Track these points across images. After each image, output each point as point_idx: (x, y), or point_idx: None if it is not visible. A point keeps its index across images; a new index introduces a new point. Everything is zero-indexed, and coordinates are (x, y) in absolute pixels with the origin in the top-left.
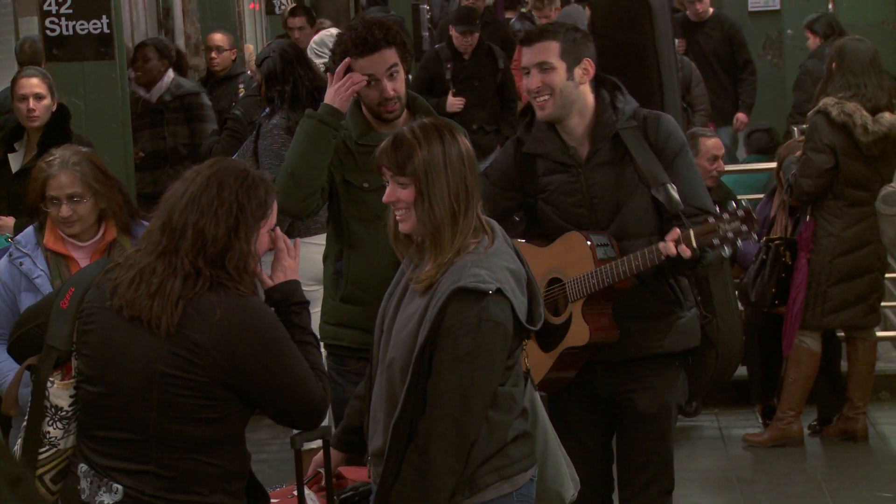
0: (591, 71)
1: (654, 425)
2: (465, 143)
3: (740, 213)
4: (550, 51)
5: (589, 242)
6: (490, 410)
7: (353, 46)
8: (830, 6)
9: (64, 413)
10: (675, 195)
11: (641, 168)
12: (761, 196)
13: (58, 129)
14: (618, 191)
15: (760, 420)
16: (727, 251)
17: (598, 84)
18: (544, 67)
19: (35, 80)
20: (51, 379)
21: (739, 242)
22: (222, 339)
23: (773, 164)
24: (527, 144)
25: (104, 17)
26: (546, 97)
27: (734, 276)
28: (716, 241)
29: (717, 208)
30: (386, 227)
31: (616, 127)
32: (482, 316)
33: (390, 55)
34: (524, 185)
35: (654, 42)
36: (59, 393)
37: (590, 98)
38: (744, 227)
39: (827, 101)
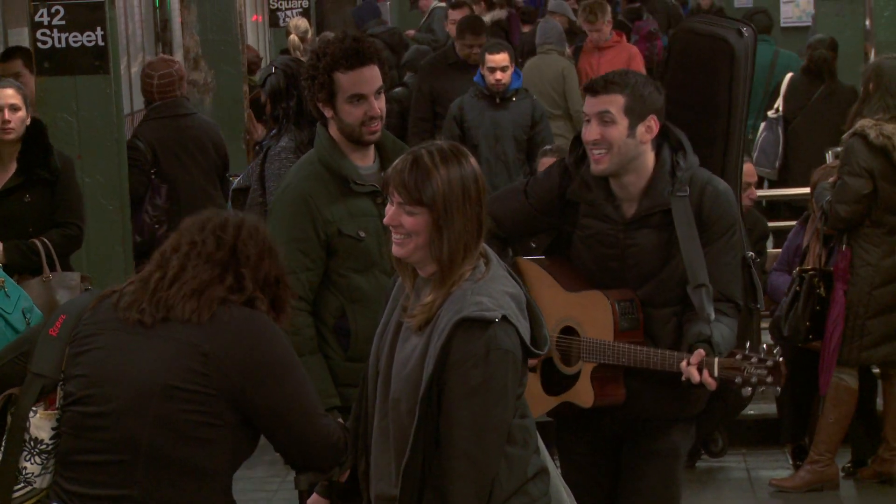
0: (656, 129)
1: (659, 462)
2: (478, 170)
3: (770, 362)
4: (614, 103)
5: (613, 310)
6: (507, 446)
7: (342, 58)
8: (868, 22)
9: (44, 447)
10: (708, 304)
11: (684, 257)
12: (794, 223)
13: (37, 144)
14: (656, 258)
15: (791, 461)
16: (748, 392)
17: (661, 138)
18: (605, 120)
19: (10, 91)
20: (34, 408)
21: (760, 390)
22: (233, 352)
23: (806, 189)
24: (572, 187)
25: (98, 29)
26: (603, 151)
27: (765, 308)
28: (738, 381)
29: (748, 349)
30: (384, 274)
31: (669, 200)
32: (490, 345)
33: (377, 73)
34: (564, 215)
35: (730, 89)
36: (42, 424)
37: (650, 157)
38: (769, 379)
39: (864, 123)
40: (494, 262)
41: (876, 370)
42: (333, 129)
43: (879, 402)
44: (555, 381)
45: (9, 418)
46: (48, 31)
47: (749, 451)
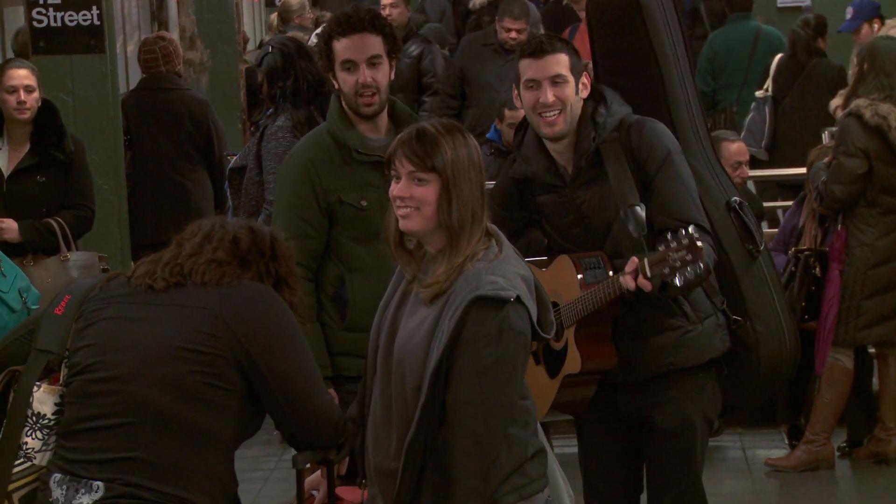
0: (589, 85)
1: (676, 442)
2: (477, 145)
3: (685, 240)
4: (562, 63)
5: (576, 266)
6: (509, 426)
7: (336, 25)
8: None
9: (46, 422)
10: (643, 217)
11: (613, 188)
12: (790, 203)
13: (50, 124)
14: (606, 208)
15: (787, 441)
16: (678, 281)
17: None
18: (557, 80)
19: (24, 72)
20: (38, 383)
21: (688, 272)
22: (244, 315)
23: (802, 170)
24: (514, 167)
25: (94, 7)
26: (556, 112)
27: None
28: (666, 271)
29: (668, 236)
30: (386, 244)
31: (593, 144)
32: (503, 325)
33: (374, 42)
34: (525, 205)
35: (650, 39)
36: (45, 398)
37: (579, 112)
38: (688, 257)
39: (859, 103)
40: (506, 243)
41: (871, 350)
42: (344, 102)
43: (875, 382)
44: (553, 363)
45: (11, 394)
46: (44, 10)
47: (745, 430)
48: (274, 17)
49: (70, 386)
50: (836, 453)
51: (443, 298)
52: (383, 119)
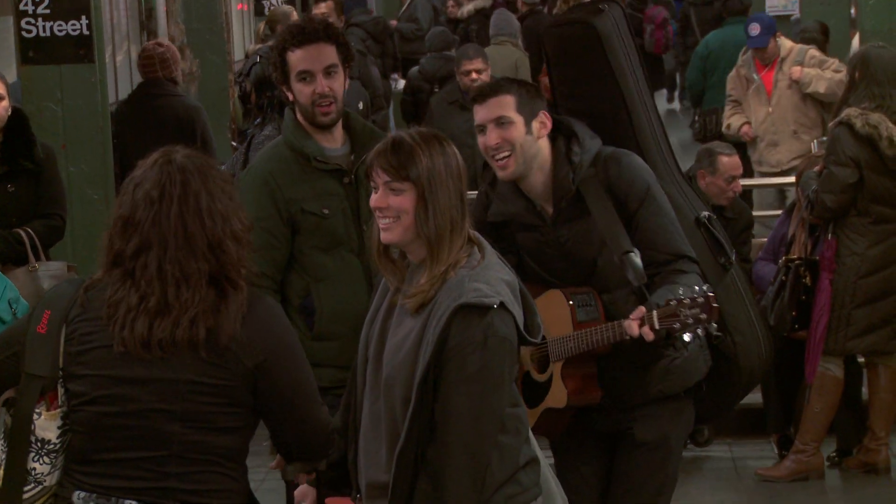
0: (549, 123)
1: (649, 453)
2: (458, 155)
3: (700, 299)
4: (506, 105)
5: (570, 304)
6: (499, 434)
7: (290, 37)
8: (853, 10)
9: (52, 446)
10: (639, 265)
11: (604, 234)
12: (779, 213)
13: (20, 134)
14: (591, 245)
15: (776, 450)
16: (689, 337)
17: (553, 132)
18: (502, 122)
19: None
20: (37, 410)
21: (699, 330)
22: (249, 343)
23: (791, 179)
24: (491, 209)
25: (83, 17)
26: (506, 154)
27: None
28: (677, 326)
29: (681, 291)
30: (352, 253)
31: (573, 185)
32: (488, 332)
33: (329, 52)
34: (502, 239)
35: (609, 65)
36: (47, 425)
37: (548, 152)
38: (703, 315)
39: (850, 112)
40: (488, 249)
41: (861, 360)
42: (299, 114)
43: (865, 391)
44: (534, 393)
45: (7, 419)
46: (33, 20)
47: (734, 440)
48: (262, 25)
49: (77, 413)
50: (826, 463)
51: (427, 308)
52: (339, 130)
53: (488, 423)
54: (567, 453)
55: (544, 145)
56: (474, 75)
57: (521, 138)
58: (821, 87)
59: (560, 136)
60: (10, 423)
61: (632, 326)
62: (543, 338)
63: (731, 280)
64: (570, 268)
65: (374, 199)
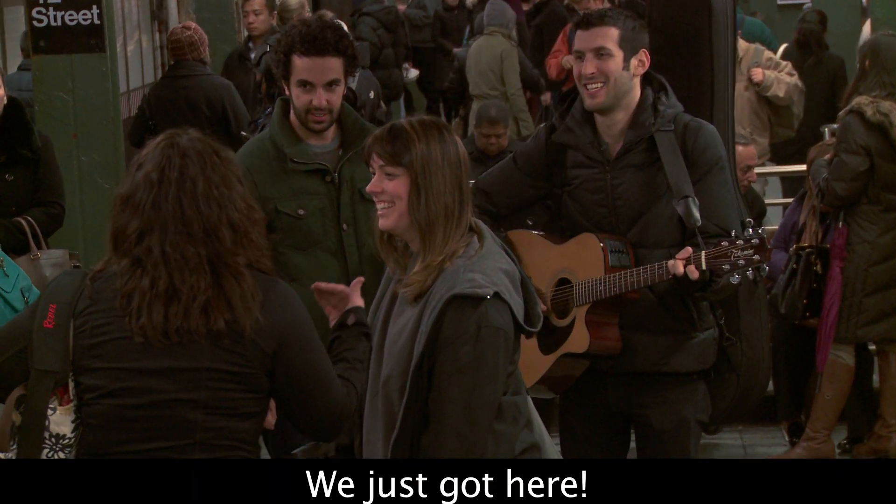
0: (647, 63)
1: (671, 443)
2: (460, 144)
3: (755, 241)
4: (609, 37)
5: (602, 246)
6: (495, 422)
7: (300, 42)
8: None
9: (67, 441)
10: (696, 211)
11: (668, 176)
12: (790, 200)
13: (16, 124)
14: (643, 196)
15: (787, 438)
16: (736, 279)
17: (644, 81)
18: (601, 53)
19: None
20: (51, 406)
21: (749, 273)
22: (265, 329)
23: (803, 167)
24: (557, 133)
25: (94, 7)
26: (599, 85)
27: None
28: (726, 267)
29: (734, 231)
30: (328, 253)
31: (651, 130)
32: (481, 323)
33: (334, 66)
34: (552, 175)
35: (711, 44)
36: (62, 420)
37: (637, 94)
38: (756, 257)
39: (861, 101)
40: (489, 238)
41: (872, 347)
42: (292, 110)
43: (876, 378)
44: (551, 338)
45: (18, 416)
46: (44, 10)
47: (745, 428)
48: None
49: (92, 407)
50: (837, 450)
51: (424, 298)
52: (331, 131)
53: (482, 414)
54: (575, 440)
55: (636, 85)
56: (493, 140)
57: (618, 72)
58: (780, 91)
59: (649, 85)
60: (22, 421)
61: (677, 265)
62: (567, 280)
63: (760, 295)
64: (612, 215)
65: (371, 184)
